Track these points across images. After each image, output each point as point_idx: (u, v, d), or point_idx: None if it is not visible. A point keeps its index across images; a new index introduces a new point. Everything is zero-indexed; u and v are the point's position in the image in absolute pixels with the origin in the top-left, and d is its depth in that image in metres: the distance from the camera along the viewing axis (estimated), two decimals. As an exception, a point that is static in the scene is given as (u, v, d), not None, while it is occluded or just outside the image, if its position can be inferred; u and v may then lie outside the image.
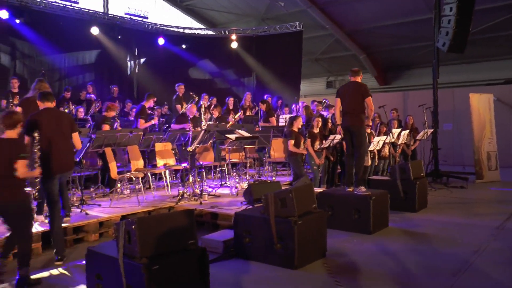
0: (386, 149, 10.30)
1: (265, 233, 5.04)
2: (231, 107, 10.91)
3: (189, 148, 7.29)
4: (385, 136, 9.97)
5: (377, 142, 9.65)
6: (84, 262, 4.21)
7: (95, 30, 13.60)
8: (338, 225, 6.46)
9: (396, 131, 10.46)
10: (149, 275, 3.48)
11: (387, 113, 11.06)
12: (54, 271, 5.09)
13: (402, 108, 15.45)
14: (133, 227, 3.58)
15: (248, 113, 11.51)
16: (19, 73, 12.53)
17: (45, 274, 5.01)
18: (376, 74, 21.06)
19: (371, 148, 9.56)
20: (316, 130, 8.87)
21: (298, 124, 8.59)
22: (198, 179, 7.96)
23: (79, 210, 6.74)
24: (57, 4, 13.44)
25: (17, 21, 12.15)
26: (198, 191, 7.60)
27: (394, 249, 5.66)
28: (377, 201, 6.45)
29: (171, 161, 8.50)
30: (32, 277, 4.74)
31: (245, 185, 8.23)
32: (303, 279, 4.70)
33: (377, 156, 10.04)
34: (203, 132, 7.32)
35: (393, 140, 10.30)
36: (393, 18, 17.03)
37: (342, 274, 4.79)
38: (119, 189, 7.86)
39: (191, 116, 8.72)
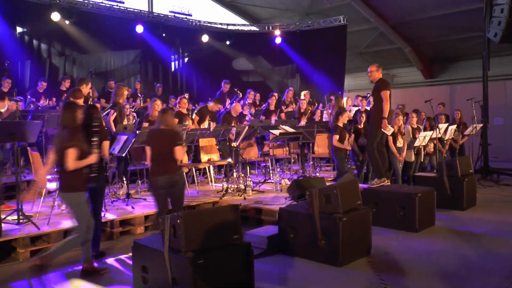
0: (431, 145, 10.02)
1: (309, 229, 5.03)
2: (273, 105, 10.89)
3: (234, 144, 7.35)
4: (431, 132, 9.70)
5: (423, 138, 9.41)
6: (130, 254, 4.34)
7: (140, 29, 13.90)
8: (382, 222, 6.36)
9: (443, 126, 10.17)
10: (194, 269, 3.53)
11: (434, 108, 10.76)
12: (101, 263, 5.27)
13: (448, 102, 15.00)
14: (178, 221, 3.65)
15: (290, 108, 11.47)
16: (68, 72, 12.99)
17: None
18: (421, 67, 20.48)
19: (416, 143, 9.33)
20: (361, 126, 8.74)
21: (344, 119, 8.49)
22: (242, 175, 8.01)
23: (125, 203, 6.94)
24: (103, 4, 13.82)
25: (67, 22, 12.59)
26: (242, 186, 7.65)
27: (441, 249, 5.53)
28: (423, 199, 6.31)
29: (215, 157, 8.59)
30: (80, 268, 4.95)
31: (288, 180, 8.22)
32: (348, 276, 4.66)
33: (422, 152, 9.79)
34: (247, 127, 7.36)
35: (439, 136, 10.02)
36: (439, 9, 16.47)
37: (387, 272, 4.73)
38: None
39: (235, 115, 8.78)
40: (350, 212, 5.07)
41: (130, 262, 5.09)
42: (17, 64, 11.85)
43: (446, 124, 10.33)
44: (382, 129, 7.29)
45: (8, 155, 8.11)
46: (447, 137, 10.32)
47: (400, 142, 8.74)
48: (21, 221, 5.83)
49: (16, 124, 6.47)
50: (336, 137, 8.31)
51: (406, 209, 6.25)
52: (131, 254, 4.37)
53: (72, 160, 4.49)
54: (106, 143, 5.30)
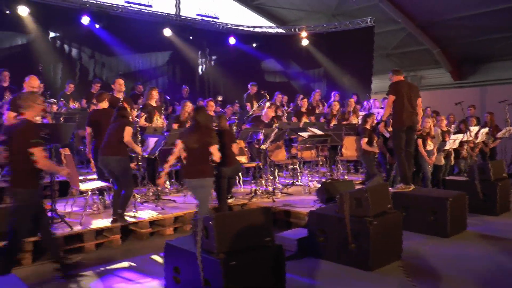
0: (465, 148, 9.83)
1: (339, 232, 5.00)
2: (304, 106, 10.83)
3: (262, 146, 7.37)
4: (462, 135, 9.52)
5: (453, 141, 9.25)
6: (162, 254, 4.40)
7: (167, 32, 14.06)
8: (412, 226, 6.25)
9: (474, 129, 9.97)
10: (226, 271, 3.56)
11: (464, 110, 10.55)
12: (133, 262, 5.35)
13: (479, 104, 14.66)
14: (211, 223, 3.68)
15: (317, 111, 11.43)
16: (97, 74, 13.25)
17: (124, 264, 5.29)
18: (450, 69, 20.12)
19: (446, 146, 9.18)
20: (389, 128, 8.65)
21: (372, 121, 8.43)
22: (271, 177, 8.02)
23: (154, 204, 7.03)
24: (132, 8, 14.04)
25: (96, 25, 12.85)
26: (270, 188, 7.65)
27: (474, 254, 5.41)
28: (455, 203, 6.18)
29: (244, 159, 8.62)
30: (111, 267, 5.10)
31: (316, 183, 8.20)
32: (379, 281, 4.61)
33: (453, 156, 9.61)
34: (276, 130, 7.36)
35: (470, 139, 9.82)
36: (469, 9, 16.13)
37: (419, 277, 4.66)
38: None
39: (266, 121, 8.79)
40: (381, 215, 5.03)
41: (159, 262, 5.19)
42: (49, 67, 12.13)
43: (478, 127, 10.13)
44: (380, 131, 7.42)
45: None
46: (478, 140, 10.10)
47: (430, 145, 8.61)
48: (55, 220, 5.96)
49: (51, 126, 6.62)
50: (365, 140, 8.24)
51: (437, 214, 6.15)
52: (161, 254, 4.44)
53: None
54: None
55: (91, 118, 6.83)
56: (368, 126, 8.37)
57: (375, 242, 4.82)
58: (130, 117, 6.63)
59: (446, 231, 6.07)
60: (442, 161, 9.20)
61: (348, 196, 4.99)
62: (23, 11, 11.37)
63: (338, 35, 16.45)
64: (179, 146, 5.54)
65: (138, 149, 6.52)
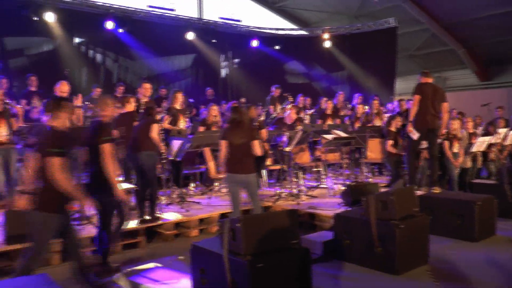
0: (493, 151, 9.62)
1: (365, 235, 4.95)
2: (329, 109, 10.76)
3: (287, 148, 7.36)
4: (490, 137, 9.33)
5: (480, 143, 9.07)
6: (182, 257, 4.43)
7: (190, 35, 14.18)
8: (439, 230, 6.13)
9: (502, 131, 9.75)
10: (253, 272, 3.56)
11: (491, 112, 10.34)
12: (159, 263, 5.40)
13: (506, 106, 14.37)
14: (238, 225, 3.69)
15: (341, 113, 11.35)
16: (121, 78, 13.43)
17: (151, 265, 5.34)
18: (476, 69, 19.80)
19: (473, 149, 9.02)
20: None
21: (397, 123, 8.34)
22: (295, 179, 8.00)
23: (179, 206, 7.08)
24: (155, 12, 14.21)
25: (120, 30, 13.04)
26: (295, 191, 7.63)
27: (504, 260, 5.28)
28: (483, 207, 6.04)
29: (268, 161, 8.61)
30: (138, 267, 5.19)
31: (341, 186, 8.15)
32: (406, 285, 4.56)
33: (480, 158, 9.42)
34: (300, 132, 7.35)
35: (499, 141, 9.61)
36: (496, 8, 15.83)
37: (447, 282, 4.59)
38: (217, 188, 8.12)
39: (289, 123, 8.78)
40: (407, 219, 4.95)
41: (185, 263, 5.21)
42: (74, 72, 12.36)
43: (506, 129, 9.91)
44: (408, 133, 7.37)
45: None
46: (507, 142, 9.88)
47: (456, 148, 8.48)
48: (82, 222, 6.05)
49: (76, 130, 6.73)
50: (390, 142, 8.16)
51: (464, 218, 6.02)
52: (183, 256, 4.46)
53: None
54: None
55: (118, 121, 6.92)
56: (393, 128, 8.28)
57: (402, 245, 4.76)
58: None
59: (474, 235, 5.95)
60: (469, 164, 9.03)
61: (374, 199, 4.95)
62: (49, 17, 11.61)
63: (361, 36, 16.34)
64: (223, 146, 5.74)
65: (163, 147, 6.61)
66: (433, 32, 18.33)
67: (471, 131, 9.26)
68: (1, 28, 11.27)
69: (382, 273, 4.81)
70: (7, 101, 6.49)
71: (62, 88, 6.66)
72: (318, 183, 8.90)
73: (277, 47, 16.25)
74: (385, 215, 4.89)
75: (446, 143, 8.45)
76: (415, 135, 7.35)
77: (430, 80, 7.37)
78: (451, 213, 6.15)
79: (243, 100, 13.24)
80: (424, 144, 8.28)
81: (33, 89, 9.49)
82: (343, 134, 7.93)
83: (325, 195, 8.06)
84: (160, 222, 6.32)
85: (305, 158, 8.93)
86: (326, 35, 16.23)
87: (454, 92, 19.85)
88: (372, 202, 4.93)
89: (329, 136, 7.68)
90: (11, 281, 3.72)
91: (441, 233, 6.13)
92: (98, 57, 13.52)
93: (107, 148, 4.56)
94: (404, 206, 5.00)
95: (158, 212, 6.52)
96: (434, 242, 5.64)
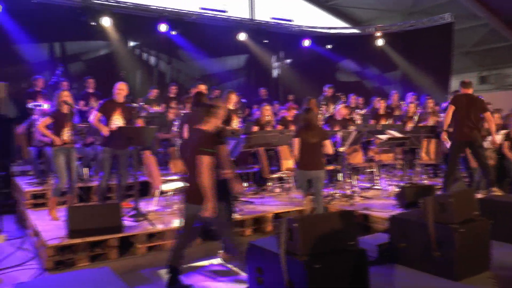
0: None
1: (422, 239, 4.83)
2: (382, 109, 10.55)
3: (341, 149, 7.30)
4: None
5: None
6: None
7: (242, 36, 14.32)
8: (501, 236, 5.84)
9: None
10: (311, 273, 3.56)
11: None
12: (214, 261, 5.50)
13: None
14: (295, 225, 3.70)
15: (396, 112, 11.11)
16: (174, 79, 13.74)
17: (206, 262, 5.46)
18: (539, 66, 18.90)
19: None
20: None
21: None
22: (349, 180, 7.92)
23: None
24: (207, 14, 14.43)
25: (173, 32, 13.35)
26: (348, 192, 7.56)
27: None
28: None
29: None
30: (193, 264, 5.32)
31: (395, 187, 7.99)
32: (466, 291, 4.41)
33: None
34: (354, 132, 7.27)
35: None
36: None
37: (511, 289, 4.40)
38: (269, 187, 8.16)
39: (339, 118, 8.71)
40: (467, 222, 4.78)
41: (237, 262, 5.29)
42: (129, 74, 12.77)
43: None
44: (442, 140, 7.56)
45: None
46: None
47: None
48: (138, 219, 6.26)
49: (134, 129, 6.95)
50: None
51: (530, 222, 5.76)
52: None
53: None
54: None
55: (183, 120, 7.12)
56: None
57: (461, 250, 4.60)
58: None
59: (540, 241, 5.68)
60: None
61: (432, 201, 4.82)
62: (106, 21, 12.05)
63: (414, 33, 15.94)
64: (296, 143, 6.36)
65: None
66: (492, 27, 17.59)
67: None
68: (62, 34, 11.83)
69: (440, 278, 4.68)
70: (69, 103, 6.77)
71: (120, 86, 6.93)
72: (371, 184, 8.77)
73: (329, 46, 16.12)
74: (443, 218, 4.75)
75: (506, 144, 8.12)
76: (448, 144, 7.47)
77: (469, 91, 7.35)
78: (515, 217, 5.88)
79: (291, 97, 13.25)
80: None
81: (90, 90, 9.91)
82: (397, 134, 7.77)
83: (379, 197, 7.94)
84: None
85: (358, 158, 8.82)
86: (378, 33, 15.95)
87: (514, 91, 19.05)
88: (430, 204, 4.80)
89: (383, 136, 7.55)
90: (75, 274, 3.91)
91: (504, 239, 5.86)
92: (152, 59, 13.90)
93: (205, 159, 4.48)
94: (464, 209, 4.83)
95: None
96: (496, 248, 5.43)
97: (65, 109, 6.50)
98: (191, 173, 4.56)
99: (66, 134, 6.50)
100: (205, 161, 4.41)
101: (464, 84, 7.37)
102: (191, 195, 4.59)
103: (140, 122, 7.33)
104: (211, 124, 4.66)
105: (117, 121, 6.84)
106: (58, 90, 6.77)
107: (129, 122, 6.91)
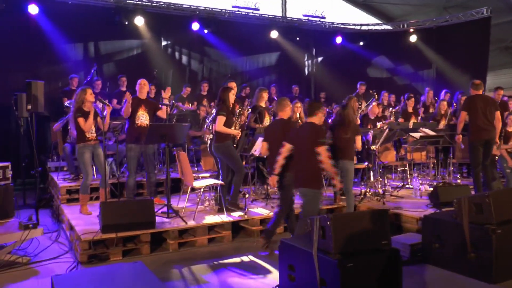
0: None
1: (456, 239, 4.74)
2: (411, 106, 10.37)
3: (372, 147, 7.22)
4: None
5: None
6: (276, 252, 4.49)
7: (274, 34, 14.28)
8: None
9: None
10: (343, 272, 3.54)
11: None
12: (245, 258, 5.52)
13: None
14: (328, 223, 3.69)
15: (431, 110, 10.89)
16: (206, 77, 13.82)
17: (236, 259, 5.48)
18: None
19: None
20: (510, 129, 8.04)
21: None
22: (380, 179, 7.82)
23: (264, 203, 7.18)
24: (240, 12, 14.43)
25: (205, 31, 13.42)
26: (380, 191, 7.46)
27: None
28: None
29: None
30: (224, 261, 5.34)
31: (428, 186, 7.85)
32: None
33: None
34: (387, 130, 7.18)
35: None
36: None
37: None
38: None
39: (372, 117, 8.60)
40: (506, 224, 4.66)
41: (271, 259, 5.30)
42: (162, 72, 12.92)
43: None
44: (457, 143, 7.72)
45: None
46: None
47: None
48: (170, 215, 6.34)
49: (167, 126, 7.05)
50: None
51: None
52: (275, 252, 4.50)
53: None
54: None
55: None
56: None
57: (499, 252, 4.49)
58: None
59: None
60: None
61: (468, 201, 4.71)
62: (139, 21, 12.22)
63: (449, 28, 15.51)
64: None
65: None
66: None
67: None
68: (96, 33, 12.06)
69: (476, 280, 4.58)
70: (105, 101, 6.89)
71: (142, 82, 7.11)
72: (403, 183, 8.63)
73: (361, 43, 15.93)
74: (480, 219, 4.65)
75: None
76: (462, 146, 7.73)
77: (479, 92, 7.40)
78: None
79: (322, 95, 13.17)
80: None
81: (123, 89, 10.07)
82: (431, 133, 7.62)
83: (411, 196, 7.83)
84: (246, 217, 6.45)
85: (390, 157, 8.70)
86: (411, 29, 15.64)
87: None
88: (465, 205, 4.70)
89: (416, 134, 7.43)
90: (110, 267, 4.00)
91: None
92: (184, 57, 14.02)
93: (324, 149, 5.07)
94: (502, 210, 4.70)
95: (244, 210, 6.66)
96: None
97: (87, 107, 6.62)
98: (306, 160, 5.15)
99: (90, 131, 6.63)
100: (325, 150, 5.04)
101: (474, 86, 7.44)
102: (306, 179, 5.21)
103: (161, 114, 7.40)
104: (318, 118, 5.28)
105: (142, 117, 6.97)
106: (79, 88, 6.87)
107: (153, 117, 7.13)
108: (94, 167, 7.15)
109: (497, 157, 7.98)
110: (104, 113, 6.51)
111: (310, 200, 5.23)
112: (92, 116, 6.60)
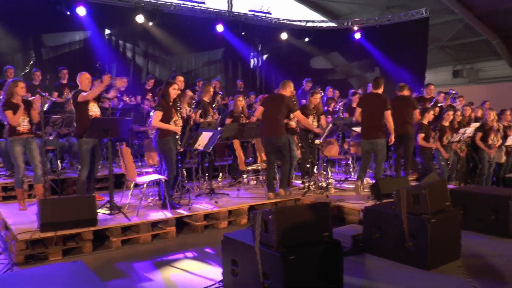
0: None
1: (396, 229, 4.91)
2: (354, 104, 10.62)
3: (317, 141, 7.33)
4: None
5: (515, 137, 8.85)
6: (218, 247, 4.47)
7: (220, 28, 14.23)
8: (471, 226, 6.02)
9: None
10: (286, 265, 3.57)
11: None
12: (189, 254, 5.47)
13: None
14: (270, 217, 3.71)
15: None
16: (151, 72, 13.57)
17: (180, 256, 5.41)
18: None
19: (507, 142, 8.81)
20: (446, 124, 8.40)
21: (429, 117, 8.22)
22: (324, 172, 7.97)
23: (208, 198, 7.14)
24: (185, 5, 14.28)
25: (150, 23, 13.16)
26: (324, 184, 7.60)
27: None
28: (518, 202, 5.90)
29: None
30: (167, 258, 5.26)
31: (370, 179, 8.08)
32: (436, 280, 4.49)
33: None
34: (330, 125, 7.31)
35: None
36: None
37: (480, 278, 4.50)
38: (245, 180, 8.16)
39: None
40: (439, 213, 4.88)
41: (215, 254, 5.28)
42: (105, 64, 12.56)
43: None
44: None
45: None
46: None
47: (492, 140, 8.35)
48: (112, 212, 6.18)
49: (110, 121, 6.85)
50: (422, 135, 8.04)
51: (499, 213, 5.89)
52: (216, 247, 4.48)
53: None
54: None
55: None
56: (425, 121, 8.15)
57: (433, 240, 4.69)
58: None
59: (508, 231, 5.82)
60: (503, 159, 8.84)
61: (406, 193, 4.88)
62: (81, 11, 11.81)
63: (391, 27, 16.10)
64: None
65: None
66: (466, 22, 17.82)
67: (506, 124, 9.03)
68: (36, 24, 11.55)
69: (413, 267, 4.76)
70: (43, 94, 6.61)
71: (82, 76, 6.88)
72: (346, 176, 8.83)
73: (306, 40, 16.15)
74: (416, 209, 4.83)
75: (479, 135, 8.30)
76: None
77: (405, 93, 8.14)
78: (485, 208, 6.02)
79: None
80: (455, 138, 8.15)
81: (64, 81, 9.72)
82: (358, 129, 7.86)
83: (353, 189, 7.98)
84: (191, 213, 6.39)
85: (333, 151, 8.88)
86: (356, 27, 16.03)
87: (487, 84, 19.35)
88: (403, 196, 4.87)
89: (358, 129, 7.61)
90: (48, 268, 3.83)
91: (474, 229, 6.02)
92: (128, 50, 13.72)
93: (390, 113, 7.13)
94: (436, 200, 4.91)
95: (189, 205, 6.58)
96: (467, 238, 5.56)
97: (17, 99, 6.34)
98: (376, 119, 7.14)
99: (22, 124, 6.37)
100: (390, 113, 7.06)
101: (400, 88, 8.17)
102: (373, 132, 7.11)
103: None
104: (382, 89, 7.25)
105: (94, 107, 6.76)
106: (10, 80, 6.55)
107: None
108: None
109: (433, 150, 8.34)
110: (40, 105, 6.25)
111: (384, 146, 7.15)
112: (22, 109, 6.32)
